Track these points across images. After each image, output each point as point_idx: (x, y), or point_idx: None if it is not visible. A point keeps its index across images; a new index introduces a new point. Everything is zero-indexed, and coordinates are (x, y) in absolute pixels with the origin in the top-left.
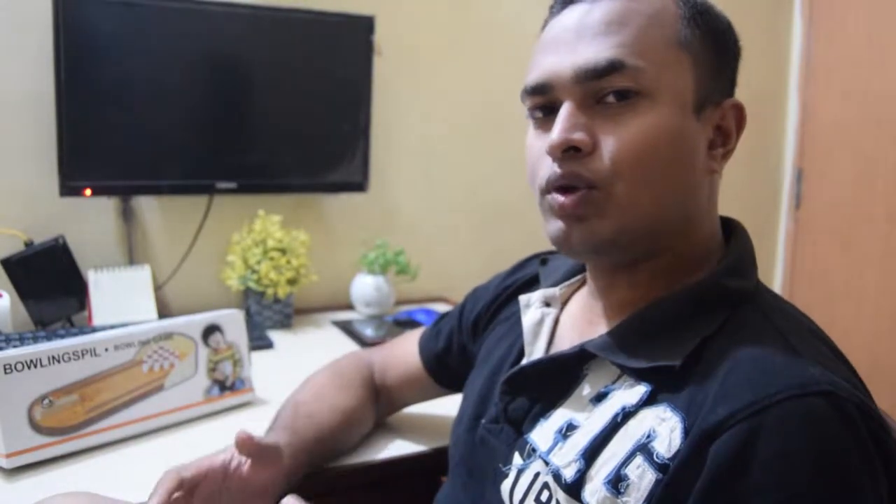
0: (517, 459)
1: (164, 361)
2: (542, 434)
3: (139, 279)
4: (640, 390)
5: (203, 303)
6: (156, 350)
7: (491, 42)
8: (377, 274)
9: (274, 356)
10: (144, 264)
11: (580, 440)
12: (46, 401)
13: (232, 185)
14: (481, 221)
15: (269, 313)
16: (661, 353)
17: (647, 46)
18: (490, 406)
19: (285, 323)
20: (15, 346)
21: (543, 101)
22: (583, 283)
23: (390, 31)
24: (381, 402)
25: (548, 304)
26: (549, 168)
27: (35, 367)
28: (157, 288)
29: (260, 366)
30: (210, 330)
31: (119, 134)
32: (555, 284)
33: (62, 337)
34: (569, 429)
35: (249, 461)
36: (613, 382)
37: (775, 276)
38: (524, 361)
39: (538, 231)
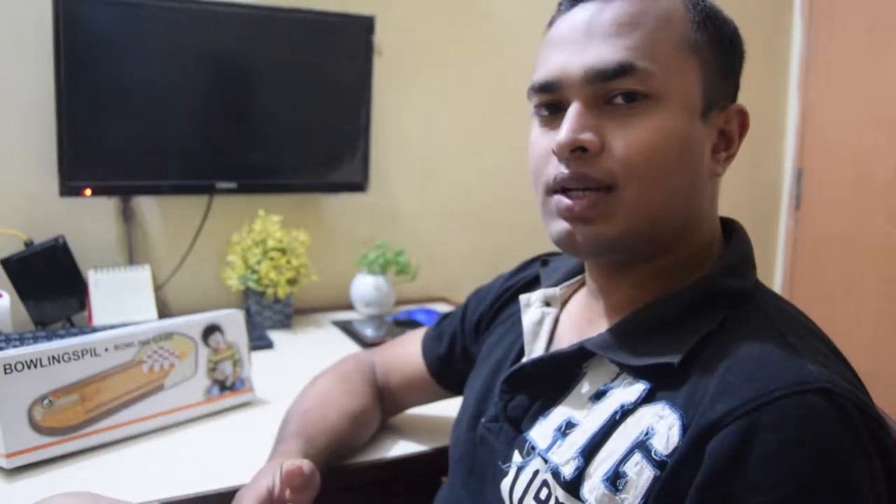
0: (516, 457)
1: (164, 361)
2: (541, 432)
3: (139, 279)
4: (639, 388)
5: (203, 303)
6: (156, 350)
7: (491, 42)
8: (377, 274)
9: (274, 356)
10: (144, 264)
11: (579, 438)
12: (46, 401)
13: (232, 185)
14: (481, 221)
15: (269, 313)
16: (660, 351)
17: (656, 49)
18: (490, 405)
19: (285, 323)
20: (15, 346)
21: (550, 99)
22: (583, 283)
23: (390, 31)
24: (384, 405)
25: (548, 304)
26: (555, 168)
27: (35, 367)
28: (157, 288)
29: (260, 366)
30: (210, 330)
31: (119, 134)
32: (555, 284)
33: (62, 337)
34: (568, 427)
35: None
36: (612, 380)
37: (775, 275)
38: (524, 360)
39: (538, 231)
